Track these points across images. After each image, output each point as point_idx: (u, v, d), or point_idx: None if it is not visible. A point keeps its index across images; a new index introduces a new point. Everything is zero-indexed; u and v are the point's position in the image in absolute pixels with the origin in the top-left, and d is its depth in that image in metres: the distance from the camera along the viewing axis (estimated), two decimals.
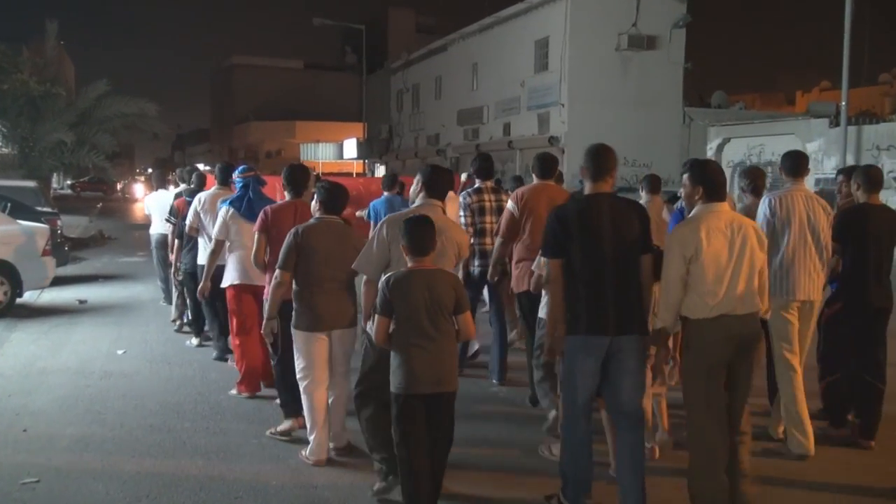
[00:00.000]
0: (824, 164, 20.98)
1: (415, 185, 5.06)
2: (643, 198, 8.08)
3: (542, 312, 5.86)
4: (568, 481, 4.58)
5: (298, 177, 6.00)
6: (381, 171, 41.94)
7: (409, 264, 4.38)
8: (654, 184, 8.35)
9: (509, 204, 6.70)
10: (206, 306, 8.24)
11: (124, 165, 79.51)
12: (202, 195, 8.19)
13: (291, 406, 5.88)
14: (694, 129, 28.39)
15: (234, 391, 7.16)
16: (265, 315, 5.51)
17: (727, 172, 24.06)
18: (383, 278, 4.38)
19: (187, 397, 7.01)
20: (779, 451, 5.72)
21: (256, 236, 5.88)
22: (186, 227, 8.18)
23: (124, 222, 31.08)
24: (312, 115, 63.67)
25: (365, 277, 4.79)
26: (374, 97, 45.11)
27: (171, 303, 10.59)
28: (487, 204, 7.45)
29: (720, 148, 24.23)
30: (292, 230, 5.34)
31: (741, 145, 23.74)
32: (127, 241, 22.59)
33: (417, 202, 4.99)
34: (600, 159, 4.63)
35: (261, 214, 5.96)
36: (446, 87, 37.53)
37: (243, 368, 7.04)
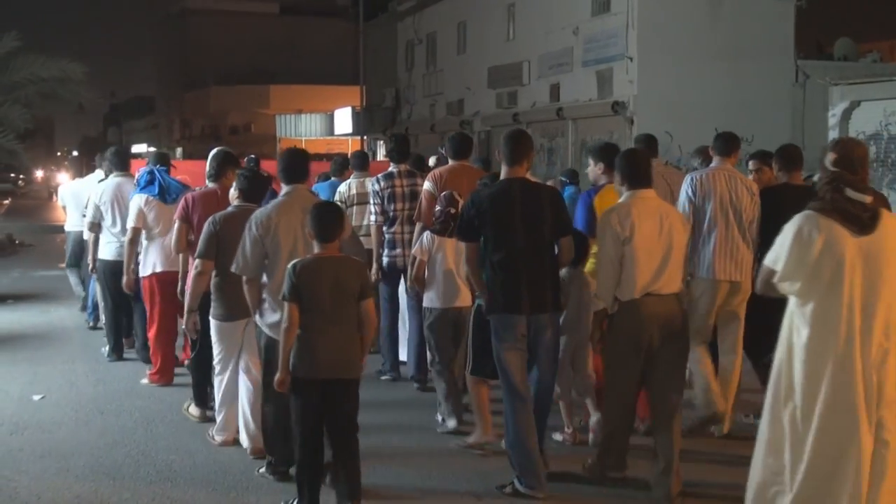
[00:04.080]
0: None
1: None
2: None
3: (427, 301, 7.78)
4: (517, 467, 6.15)
5: (217, 162, 7.78)
6: (385, 149, 42.06)
7: (316, 250, 5.69)
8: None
9: (427, 185, 8.29)
10: (106, 302, 10.16)
11: (41, 147, 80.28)
12: (101, 185, 10.16)
13: (203, 396, 7.88)
14: (810, 88, 28.20)
15: (145, 380, 9.19)
16: (186, 308, 7.16)
17: None
18: (290, 265, 5.64)
19: (126, 457, 7.05)
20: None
21: (177, 224, 7.68)
22: (87, 224, 10.22)
23: (42, 223, 31.37)
24: (292, 76, 64.01)
25: (245, 277, 6.25)
26: (375, 52, 45.20)
27: (84, 308, 12.64)
28: (399, 189, 8.94)
29: (847, 114, 24.03)
30: (210, 219, 6.91)
31: (875, 111, 23.54)
32: (45, 248, 22.82)
33: (283, 190, 6.43)
34: (516, 144, 6.31)
35: (181, 202, 7.78)
36: (473, 37, 37.57)
37: (159, 359, 9.09)
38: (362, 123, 44.34)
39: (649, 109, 26.57)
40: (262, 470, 6.50)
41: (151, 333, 9.16)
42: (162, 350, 9.13)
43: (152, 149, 48.40)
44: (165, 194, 9.01)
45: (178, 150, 58.50)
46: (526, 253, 6.15)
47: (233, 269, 6.29)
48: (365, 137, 43.87)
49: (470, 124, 36.32)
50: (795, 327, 4.78)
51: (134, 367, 9.94)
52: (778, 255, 4.75)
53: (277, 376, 5.72)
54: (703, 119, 26.48)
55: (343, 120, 48.63)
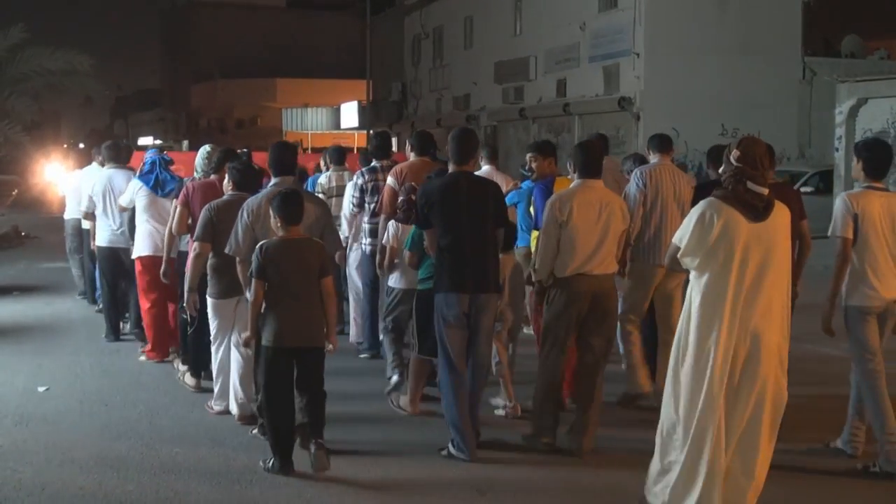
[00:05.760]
0: None
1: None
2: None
3: (392, 281, 8.37)
4: (454, 431, 6.85)
5: (219, 157, 8.65)
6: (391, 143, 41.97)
7: (280, 233, 6.43)
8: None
9: (389, 180, 8.89)
10: (103, 285, 10.96)
11: (47, 138, 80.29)
12: (95, 176, 11.05)
13: (199, 367, 8.54)
14: (817, 85, 28.16)
15: (142, 357, 9.94)
16: (186, 287, 7.83)
17: None
18: (257, 247, 6.45)
19: (131, 450, 7.06)
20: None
21: (178, 209, 8.44)
22: (82, 213, 11.31)
23: (49, 215, 31.38)
24: (299, 70, 63.98)
25: (237, 258, 7.03)
26: (382, 46, 45.17)
27: (84, 295, 13.45)
28: (381, 183, 9.44)
29: (853, 112, 23.97)
30: (206, 206, 7.68)
31: (882, 108, 23.48)
32: (51, 240, 22.75)
33: (272, 181, 7.33)
34: (462, 143, 7.05)
35: (183, 189, 8.59)
36: (479, 32, 37.55)
37: (153, 336, 9.83)
38: (368, 117, 44.35)
39: (656, 105, 26.55)
40: (255, 431, 7.16)
41: (144, 311, 9.94)
42: (154, 327, 9.84)
43: (158, 141, 48.54)
44: (158, 188, 9.73)
45: (185, 143, 58.44)
46: (470, 238, 6.86)
47: (226, 250, 7.09)
48: (370, 131, 43.84)
49: (476, 119, 36.28)
50: (693, 296, 5.52)
51: (138, 359, 10.00)
52: (683, 234, 5.50)
53: (244, 335, 6.70)
54: (709, 115, 26.50)
55: (349, 114, 48.57)
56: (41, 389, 8.79)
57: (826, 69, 27.95)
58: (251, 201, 7.09)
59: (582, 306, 6.94)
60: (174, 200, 8.86)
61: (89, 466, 6.67)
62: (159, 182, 9.71)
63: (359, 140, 45.63)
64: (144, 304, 9.87)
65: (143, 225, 9.69)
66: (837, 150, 23.96)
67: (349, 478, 6.50)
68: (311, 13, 70.68)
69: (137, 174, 9.98)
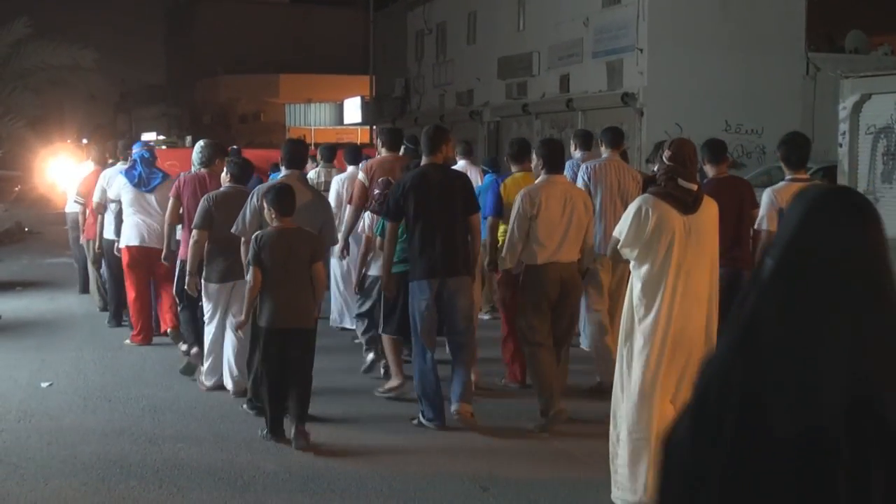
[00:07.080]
0: None
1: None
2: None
3: (374, 270, 8.80)
4: (423, 402, 7.47)
5: (209, 152, 9.31)
6: None
7: (274, 223, 6.99)
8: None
9: (360, 175, 9.43)
10: (110, 276, 11.40)
11: (52, 134, 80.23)
12: (107, 171, 11.47)
13: (199, 340, 8.83)
14: (821, 81, 28.10)
15: (127, 341, 10.51)
16: (187, 271, 8.33)
17: (868, 140, 23.82)
18: (254, 236, 7.04)
19: (134, 446, 7.07)
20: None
21: (171, 200, 9.08)
22: (94, 205, 11.43)
23: (52, 211, 31.39)
24: (302, 66, 63.98)
25: (243, 239, 7.57)
26: (385, 42, 45.14)
27: (83, 288, 13.78)
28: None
29: (857, 107, 23.92)
30: (206, 196, 8.31)
31: (886, 104, 23.41)
32: (54, 236, 22.81)
33: (281, 173, 8.17)
34: (432, 138, 7.71)
35: (175, 182, 9.28)
36: (483, 28, 37.51)
37: (140, 322, 10.45)
38: (371, 113, 44.34)
39: (659, 101, 26.52)
40: (245, 406, 7.76)
41: (130, 300, 10.53)
42: (140, 314, 10.47)
43: (161, 137, 48.56)
44: (142, 184, 10.35)
45: (188, 139, 58.49)
46: (440, 225, 7.42)
47: (233, 230, 7.61)
48: (373, 127, 43.80)
49: (479, 115, 36.27)
50: (634, 284, 5.90)
51: (141, 354, 10.04)
52: (622, 227, 5.88)
53: (239, 319, 7.36)
54: (712, 111, 26.44)
55: (352, 109, 48.59)
56: (44, 385, 8.80)
57: (829, 65, 27.89)
58: (262, 187, 7.71)
59: (553, 291, 7.53)
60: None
61: (92, 462, 6.67)
62: (143, 178, 10.32)
63: (361, 136, 45.60)
64: (131, 293, 10.45)
65: (130, 217, 10.22)
66: (841, 145, 23.90)
67: (354, 475, 6.49)
68: (315, 9, 70.64)
69: (123, 170, 10.64)
